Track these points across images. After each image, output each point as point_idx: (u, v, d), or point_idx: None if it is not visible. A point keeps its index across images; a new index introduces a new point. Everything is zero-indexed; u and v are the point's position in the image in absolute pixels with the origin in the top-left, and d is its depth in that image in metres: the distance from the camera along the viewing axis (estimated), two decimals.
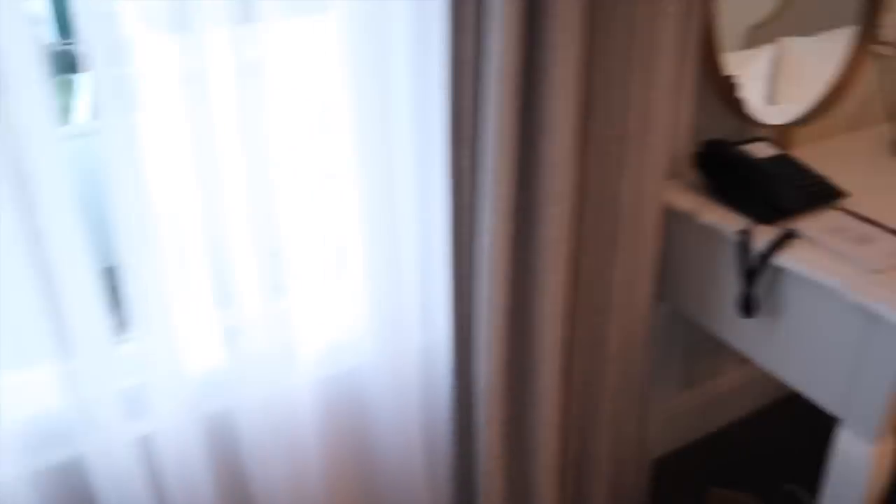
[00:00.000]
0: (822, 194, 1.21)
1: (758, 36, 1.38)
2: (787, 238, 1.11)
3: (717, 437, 1.82)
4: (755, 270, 1.12)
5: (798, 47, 1.43)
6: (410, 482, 1.26)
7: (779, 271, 1.11)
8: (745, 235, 1.14)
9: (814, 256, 1.08)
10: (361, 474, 1.26)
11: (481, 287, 1.13)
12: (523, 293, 1.19)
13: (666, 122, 1.16)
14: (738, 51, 1.35)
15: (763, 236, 1.13)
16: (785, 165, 1.24)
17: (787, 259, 1.09)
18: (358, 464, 1.26)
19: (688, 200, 1.26)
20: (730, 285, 1.21)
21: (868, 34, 1.45)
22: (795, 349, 1.13)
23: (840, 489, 1.10)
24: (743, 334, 1.22)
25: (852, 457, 1.08)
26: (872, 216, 1.17)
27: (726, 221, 1.18)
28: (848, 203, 1.22)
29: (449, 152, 1.05)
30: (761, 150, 1.28)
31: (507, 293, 1.14)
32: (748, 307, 1.15)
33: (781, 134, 1.44)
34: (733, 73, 1.33)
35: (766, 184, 1.18)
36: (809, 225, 1.15)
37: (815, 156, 1.41)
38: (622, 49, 1.07)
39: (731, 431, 1.83)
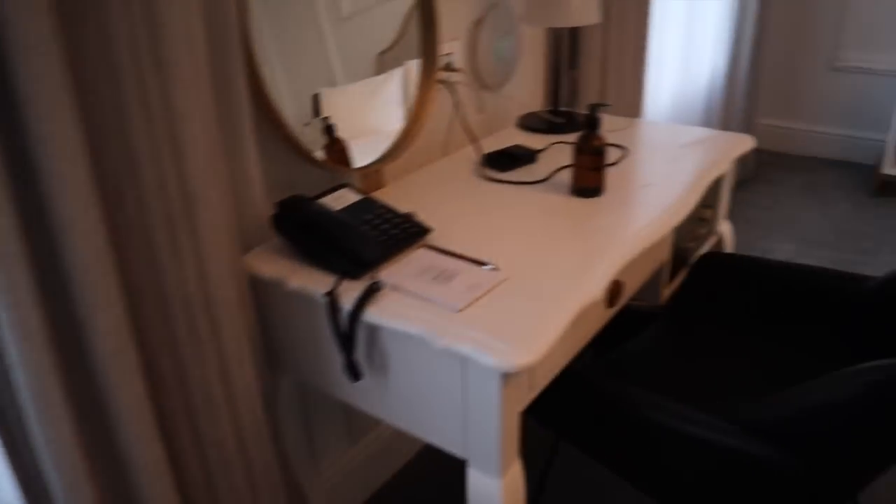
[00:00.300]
0: (407, 235, 1.17)
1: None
2: (371, 292, 1.04)
3: (390, 486, 1.76)
4: (348, 333, 1.04)
5: (365, 85, 1.40)
6: None
7: (373, 327, 1.04)
8: (331, 297, 1.05)
9: (399, 306, 1.02)
10: None
11: (38, 434, 0.90)
12: (98, 422, 0.98)
13: (220, 191, 1.02)
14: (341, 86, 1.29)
15: (351, 294, 1.05)
16: (366, 211, 1.19)
17: (374, 314, 1.02)
18: None
19: (274, 268, 1.14)
20: (333, 349, 1.12)
21: (431, 64, 1.47)
22: (409, 401, 1.07)
23: None
24: (361, 394, 1.14)
25: (484, 494, 1.04)
26: (461, 245, 1.16)
27: (314, 284, 1.09)
28: (436, 236, 1.20)
29: None
30: (342, 199, 1.22)
31: (74, 432, 0.92)
32: (353, 372, 1.07)
33: (371, 174, 1.40)
34: (314, 120, 1.26)
35: (345, 237, 1.10)
36: (395, 271, 1.10)
37: (407, 191, 1.40)
38: (141, 123, 0.91)
39: (401, 478, 1.78)
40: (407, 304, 1.03)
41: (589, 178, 1.34)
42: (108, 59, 0.87)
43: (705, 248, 1.67)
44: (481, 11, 1.70)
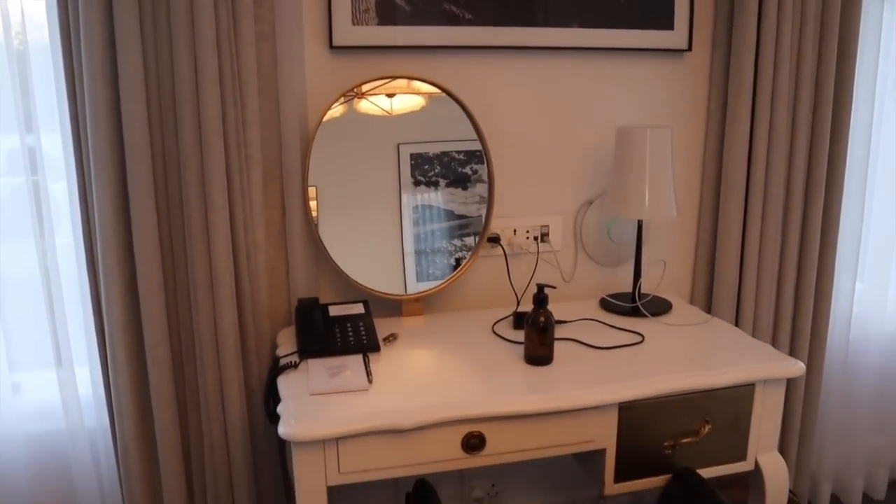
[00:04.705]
0: (359, 345, 1.58)
1: None
2: (281, 367, 1.50)
3: None
4: (266, 387, 1.52)
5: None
6: None
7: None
8: (275, 362, 1.54)
9: (291, 379, 1.47)
10: None
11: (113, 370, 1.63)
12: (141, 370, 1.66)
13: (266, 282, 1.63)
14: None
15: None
16: (354, 321, 1.65)
17: (281, 379, 1.48)
18: None
19: (283, 338, 1.69)
20: None
21: (484, 233, 1.83)
22: None
23: None
24: None
25: None
26: (412, 360, 1.53)
27: (283, 350, 1.60)
28: (386, 351, 1.59)
29: None
30: (348, 309, 1.70)
31: (128, 377, 1.63)
32: (268, 414, 1.53)
33: (412, 303, 1.83)
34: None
35: (308, 331, 1.59)
36: (319, 362, 1.53)
37: (430, 324, 1.79)
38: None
39: None
40: (298, 379, 1.46)
41: (535, 348, 1.53)
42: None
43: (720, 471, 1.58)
44: (593, 195, 1.95)
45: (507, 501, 2.13)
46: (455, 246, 1.83)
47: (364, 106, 1.73)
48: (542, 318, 1.51)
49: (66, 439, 1.80)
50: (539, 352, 1.53)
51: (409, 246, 1.80)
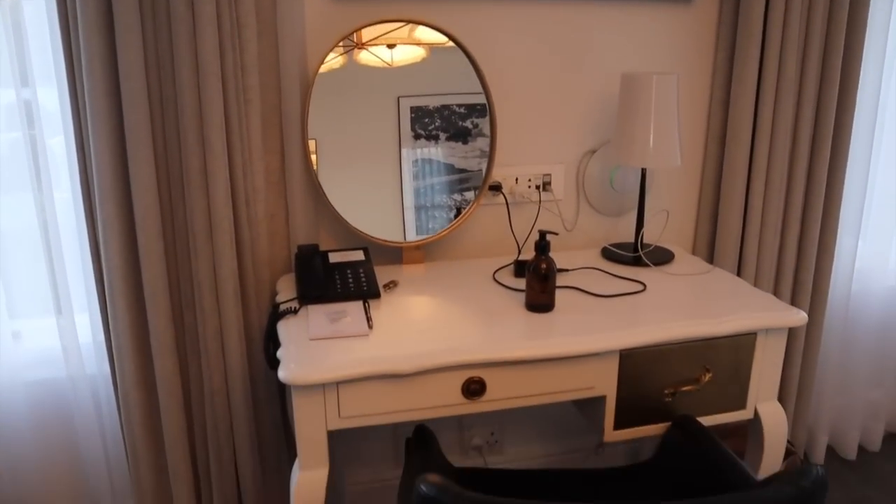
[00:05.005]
0: (359, 292, 1.57)
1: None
2: (281, 312, 1.50)
3: None
4: (267, 333, 1.52)
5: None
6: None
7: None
8: (275, 307, 1.54)
9: (292, 324, 1.46)
10: None
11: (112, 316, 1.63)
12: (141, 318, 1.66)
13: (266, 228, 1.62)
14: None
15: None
16: (354, 268, 1.64)
17: (281, 325, 1.48)
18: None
19: (282, 284, 1.69)
20: None
21: (486, 181, 1.80)
22: None
23: None
24: None
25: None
26: (410, 307, 1.53)
27: (283, 297, 1.59)
28: (387, 298, 1.58)
29: None
30: (348, 256, 1.69)
31: (129, 324, 1.63)
32: (268, 360, 1.53)
33: (412, 251, 1.81)
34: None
35: (308, 277, 1.57)
36: (318, 308, 1.53)
37: (431, 271, 1.78)
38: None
39: None
40: (298, 325, 1.46)
41: (536, 296, 1.52)
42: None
43: (716, 418, 1.59)
44: (596, 144, 1.93)
45: (507, 450, 2.15)
46: (455, 200, 1.81)
47: (364, 57, 1.70)
48: (543, 266, 1.50)
49: (67, 386, 1.80)
50: (540, 299, 1.52)
51: (409, 200, 1.78)
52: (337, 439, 2.00)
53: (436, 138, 1.78)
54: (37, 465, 1.86)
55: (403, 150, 1.76)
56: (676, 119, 1.71)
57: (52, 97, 1.61)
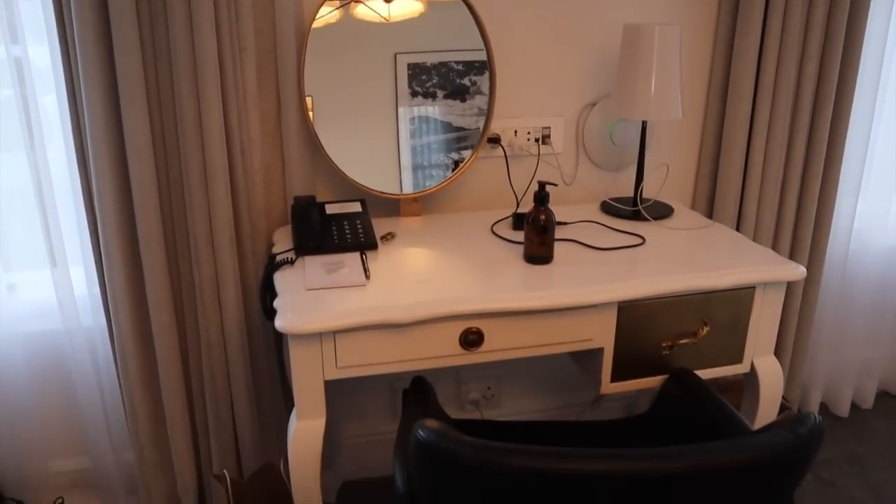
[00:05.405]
0: (356, 243, 1.56)
1: None
2: (277, 264, 1.48)
3: None
4: (262, 284, 1.51)
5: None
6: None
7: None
8: (271, 258, 1.52)
9: (288, 275, 1.45)
10: None
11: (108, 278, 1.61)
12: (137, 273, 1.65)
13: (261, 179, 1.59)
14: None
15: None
16: (351, 219, 1.62)
17: (278, 275, 1.47)
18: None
19: (279, 236, 1.67)
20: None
21: (485, 134, 1.78)
22: None
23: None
24: None
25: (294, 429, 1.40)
26: (407, 253, 1.52)
27: (279, 248, 1.58)
28: (384, 249, 1.57)
29: None
30: (345, 208, 1.67)
31: (124, 278, 1.61)
32: (265, 311, 1.52)
33: (410, 203, 1.80)
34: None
35: (304, 228, 1.56)
36: (314, 259, 1.51)
37: (429, 223, 1.76)
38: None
39: None
40: (294, 275, 1.45)
41: (535, 247, 1.51)
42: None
43: (716, 373, 1.59)
44: (597, 97, 1.90)
45: (504, 404, 2.16)
46: (452, 159, 1.79)
47: (361, 11, 1.66)
48: (542, 217, 1.49)
49: (63, 339, 1.80)
50: (539, 251, 1.51)
51: (406, 157, 1.76)
52: (334, 393, 2.01)
53: (433, 96, 1.75)
54: (35, 418, 1.86)
55: (400, 108, 1.74)
56: (678, 71, 1.68)
57: (44, 55, 1.58)
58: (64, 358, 1.82)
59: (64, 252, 1.70)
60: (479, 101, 1.77)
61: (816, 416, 0.99)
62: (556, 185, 1.52)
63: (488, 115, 1.77)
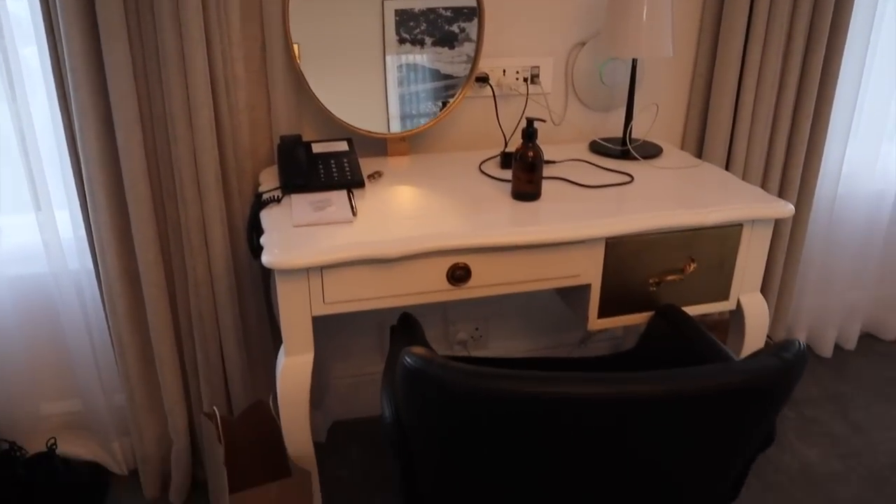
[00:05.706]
0: (343, 181, 1.55)
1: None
2: (264, 202, 1.47)
3: None
4: (248, 222, 1.50)
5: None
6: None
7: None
8: (258, 197, 1.51)
9: (274, 213, 1.44)
10: None
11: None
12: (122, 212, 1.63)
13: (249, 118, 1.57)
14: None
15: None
16: (338, 157, 1.61)
17: (264, 213, 1.46)
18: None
19: (265, 176, 1.65)
20: None
21: (472, 72, 1.75)
22: None
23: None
24: None
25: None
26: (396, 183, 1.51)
27: (265, 186, 1.57)
28: (371, 187, 1.56)
29: None
30: (332, 146, 1.66)
31: (111, 227, 1.60)
32: (251, 249, 1.52)
33: (397, 142, 1.78)
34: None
35: (290, 166, 1.54)
36: (302, 197, 1.50)
37: (416, 163, 1.75)
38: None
39: None
40: (281, 213, 1.44)
41: (522, 184, 1.51)
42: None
43: (700, 309, 1.61)
44: (586, 36, 1.87)
45: (491, 344, 2.18)
46: (439, 106, 1.76)
47: None
48: (530, 154, 1.48)
49: (50, 282, 1.79)
50: (527, 188, 1.50)
51: (395, 106, 1.74)
52: (321, 333, 2.02)
53: (421, 43, 1.72)
54: (24, 361, 1.86)
55: (388, 56, 1.71)
56: (669, 7, 1.65)
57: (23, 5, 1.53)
58: (52, 301, 1.82)
59: (48, 196, 1.67)
60: (468, 49, 1.74)
61: (801, 342, 1.00)
62: (544, 120, 1.51)
63: (476, 53, 1.74)
